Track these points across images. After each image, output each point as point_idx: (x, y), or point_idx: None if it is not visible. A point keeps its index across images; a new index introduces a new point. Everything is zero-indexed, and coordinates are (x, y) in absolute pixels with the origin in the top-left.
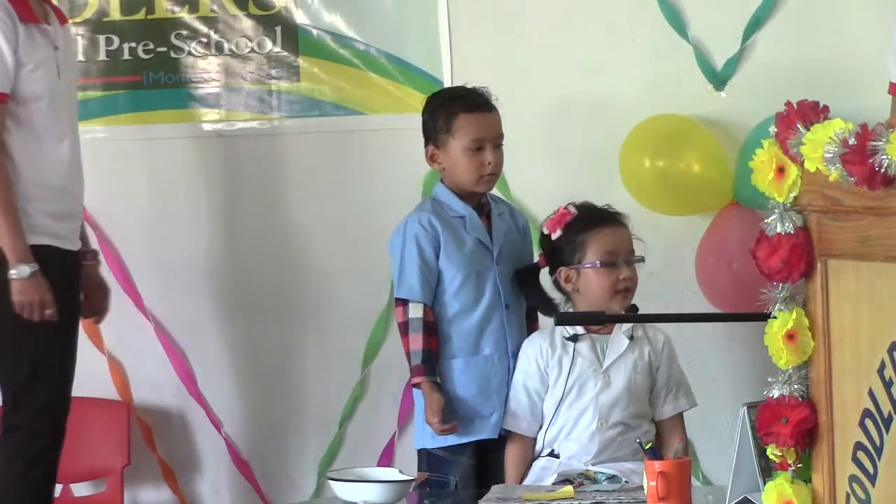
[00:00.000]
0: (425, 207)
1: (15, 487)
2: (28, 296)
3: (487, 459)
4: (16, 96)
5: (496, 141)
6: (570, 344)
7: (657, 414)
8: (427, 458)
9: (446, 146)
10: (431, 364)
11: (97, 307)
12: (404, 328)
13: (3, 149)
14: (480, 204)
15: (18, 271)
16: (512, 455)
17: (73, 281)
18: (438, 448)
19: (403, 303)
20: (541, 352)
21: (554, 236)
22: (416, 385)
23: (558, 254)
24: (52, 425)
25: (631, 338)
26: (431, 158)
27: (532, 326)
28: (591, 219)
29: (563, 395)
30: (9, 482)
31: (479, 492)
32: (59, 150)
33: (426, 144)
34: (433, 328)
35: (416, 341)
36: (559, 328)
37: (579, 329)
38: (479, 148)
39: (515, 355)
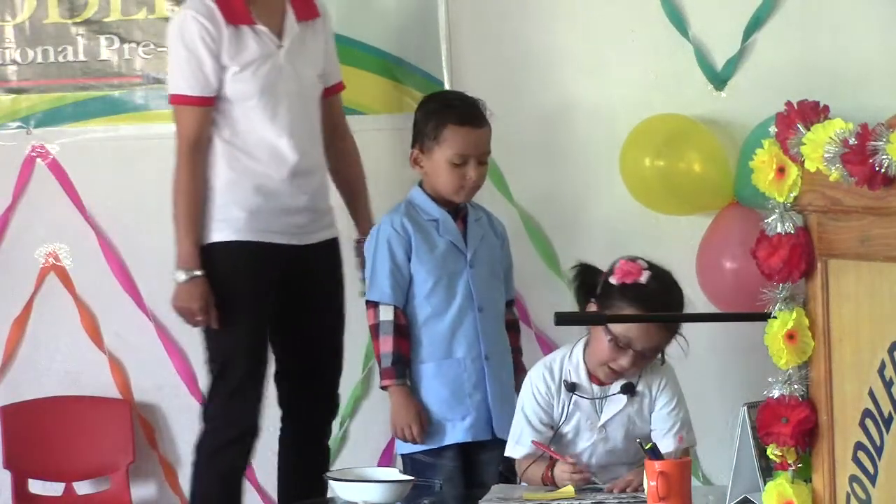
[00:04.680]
0: (399, 210)
1: (196, 476)
2: (179, 301)
3: (472, 460)
4: (224, 97)
5: (481, 158)
6: (570, 393)
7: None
8: (411, 463)
9: (431, 153)
10: (401, 367)
11: None
12: (375, 331)
13: (199, 153)
14: (456, 208)
15: (176, 276)
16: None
17: (296, 276)
18: (419, 452)
19: (374, 305)
20: (539, 388)
21: (612, 280)
22: (385, 388)
23: (600, 292)
24: (241, 416)
25: (633, 391)
26: (415, 161)
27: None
28: (626, 299)
29: (556, 438)
30: (194, 469)
31: (466, 493)
32: (277, 146)
33: (412, 145)
34: (405, 331)
35: (387, 344)
36: (560, 364)
37: (582, 378)
38: (462, 163)
39: (489, 358)
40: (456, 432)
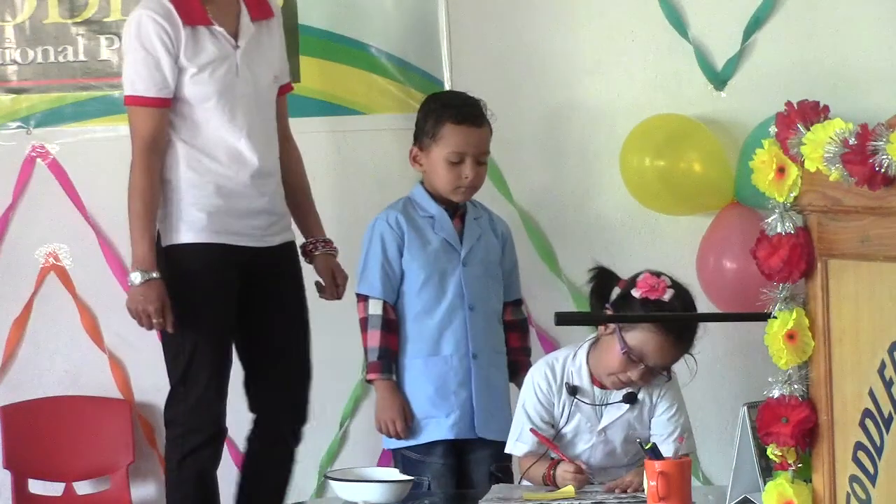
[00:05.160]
0: (396, 206)
1: (170, 483)
2: (134, 304)
3: (463, 459)
4: (182, 98)
5: (478, 157)
6: (572, 396)
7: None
8: (402, 460)
9: (429, 151)
10: (388, 362)
11: (328, 293)
12: (364, 324)
13: (155, 154)
14: (455, 206)
15: (131, 278)
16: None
17: (257, 279)
18: (408, 449)
19: (364, 299)
20: (541, 385)
21: (635, 293)
22: (370, 381)
23: (619, 301)
24: (206, 421)
25: (634, 400)
26: (414, 159)
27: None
28: (651, 313)
29: (556, 439)
30: (167, 477)
31: (461, 493)
32: (236, 147)
33: (413, 143)
34: (393, 326)
35: (374, 338)
36: (563, 364)
37: (584, 381)
38: (459, 161)
39: (477, 356)
40: (440, 429)
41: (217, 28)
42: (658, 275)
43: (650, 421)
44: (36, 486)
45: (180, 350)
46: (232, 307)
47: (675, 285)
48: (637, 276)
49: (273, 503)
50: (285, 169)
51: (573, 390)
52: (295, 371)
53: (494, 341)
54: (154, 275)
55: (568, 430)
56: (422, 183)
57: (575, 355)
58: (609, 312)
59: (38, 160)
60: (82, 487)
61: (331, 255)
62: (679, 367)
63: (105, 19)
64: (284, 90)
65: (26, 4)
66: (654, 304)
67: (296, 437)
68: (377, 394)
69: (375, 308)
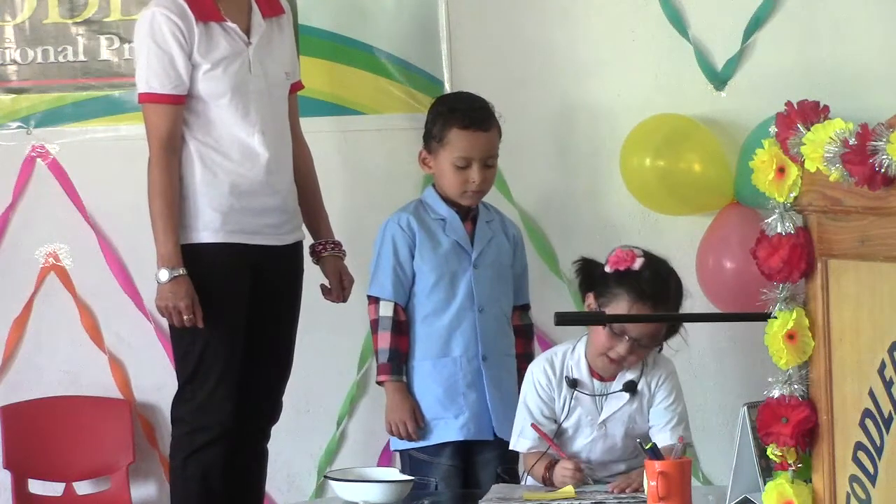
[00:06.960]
0: (408, 208)
1: (174, 481)
2: (163, 300)
3: (472, 460)
4: (195, 95)
5: (486, 161)
6: (571, 389)
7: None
8: (409, 460)
9: (437, 154)
10: (398, 363)
11: (334, 295)
12: (374, 326)
13: (172, 152)
14: (467, 209)
15: (159, 275)
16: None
17: (265, 277)
18: (416, 450)
19: (375, 300)
20: (540, 381)
21: (607, 268)
22: (380, 383)
23: (597, 282)
24: (213, 420)
25: (634, 389)
26: (423, 161)
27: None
28: (620, 286)
29: (557, 434)
30: (172, 475)
31: (463, 493)
32: (249, 144)
33: (422, 146)
34: (404, 328)
35: (384, 340)
36: (562, 359)
37: (583, 374)
38: (465, 165)
39: (487, 358)
40: (449, 431)
41: (230, 24)
42: (630, 248)
43: (649, 411)
44: (36, 486)
45: (190, 349)
46: (243, 307)
47: (647, 255)
48: (610, 253)
49: (253, 502)
50: (296, 169)
51: (573, 383)
52: (279, 372)
53: (504, 343)
54: (181, 271)
55: (568, 424)
56: (433, 185)
57: (573, 349)
58: (592, 299)
59: (38, 160)
60: (82, 487)
61: (339, 257)
62: (679, 364)
63: (105, 19)
64: (295, 88)
65: (26, 4)
66: (625, 274)
67: (267, 436)
68: (387, 395)
69: (386, 310)
